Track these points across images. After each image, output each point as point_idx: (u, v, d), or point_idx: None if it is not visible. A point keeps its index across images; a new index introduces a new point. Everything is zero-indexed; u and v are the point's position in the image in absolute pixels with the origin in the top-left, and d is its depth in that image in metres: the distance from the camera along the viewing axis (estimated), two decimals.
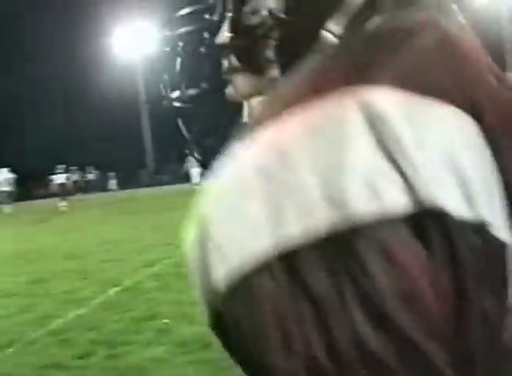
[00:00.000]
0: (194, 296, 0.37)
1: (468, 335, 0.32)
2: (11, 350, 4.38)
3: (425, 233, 0.32)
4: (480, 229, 0.33)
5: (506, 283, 0.34)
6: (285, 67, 0.46)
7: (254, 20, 0.48)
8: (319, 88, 0.35)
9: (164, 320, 4.61)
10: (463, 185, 0.33)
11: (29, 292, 6.40)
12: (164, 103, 0.57)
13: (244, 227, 0.33)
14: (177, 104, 0.57)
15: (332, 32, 0.45)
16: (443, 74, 0.36)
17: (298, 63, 0.41)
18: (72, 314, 5.22)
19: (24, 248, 10.03)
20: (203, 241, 0.34)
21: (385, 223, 0.32)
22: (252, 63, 0.48)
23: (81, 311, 5.31)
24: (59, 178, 22.23)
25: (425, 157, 0.33)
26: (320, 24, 0.45)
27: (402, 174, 0.32)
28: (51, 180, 23.41)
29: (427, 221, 0.32)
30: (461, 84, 0.36)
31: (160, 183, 28.55)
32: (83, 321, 4.97)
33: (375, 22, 0.41)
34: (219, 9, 0.51)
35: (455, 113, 0.35)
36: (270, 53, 0.47)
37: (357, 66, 0.36)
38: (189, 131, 0.56)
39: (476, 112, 0.36)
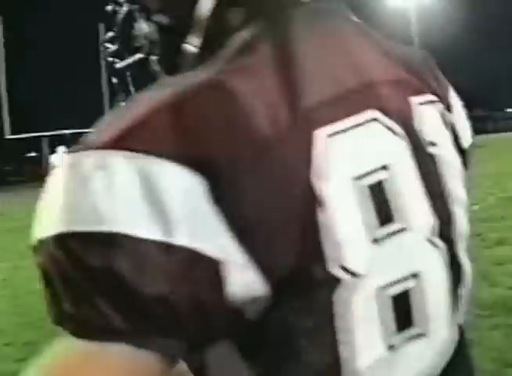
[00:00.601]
0: None
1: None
2: None
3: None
4: (169, 247, 0.43)
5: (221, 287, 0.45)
6: (171, 75, 0.60)
7: (137, 43, 0.64)
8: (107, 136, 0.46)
9: None
10: (161, 219, 0.43)
11: None
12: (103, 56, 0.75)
13: (50, 213, 0.46)
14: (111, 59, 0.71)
15: (191, 45, 0.57)
16: (172, 140, 0.45)
17: (177, 71, 0.58)
18: None
19: None
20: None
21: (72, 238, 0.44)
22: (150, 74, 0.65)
23: None
24: None
25: (117, 198, 0.44)
26: (182, 39, 0.58)
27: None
28: None
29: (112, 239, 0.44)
30: (189, 148, 0.45)
31: None
32: None
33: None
34: (119, 33, 0.69)
35: (173, 168, 0.44)
36: (156, 66, 0.63)
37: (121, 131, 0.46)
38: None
39: (209, 169, 0.45)
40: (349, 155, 0.50)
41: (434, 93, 0.62)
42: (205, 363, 0.53)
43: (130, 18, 0.65)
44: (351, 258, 0.49)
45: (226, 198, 0.45)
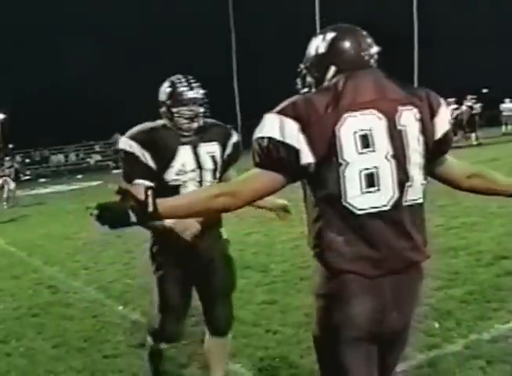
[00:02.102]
0: None
1: None
2: None
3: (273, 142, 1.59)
4: (282, 142, 1.57)
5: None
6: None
7: (308, 83, 1.78)
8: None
9: None
10: (284, 134, 1.56)
11: None
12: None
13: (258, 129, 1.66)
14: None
15: (323, 85, 1.71)
16: (291, 108, 1.58)
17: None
18: None
19: None
20: None
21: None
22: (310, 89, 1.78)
23: None
24: None
25: (267, 127, 1.59)
26: (320, 84, 1.72)
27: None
28: None
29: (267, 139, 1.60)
30: (294, 111, 1.56)
31: None
32: None
33: None
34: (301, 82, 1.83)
35: (289, 120, 1.56)
36: (312, 89, 1.76)
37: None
38: None
39: (300, 121, 1.55)
40: (354, 123, 1.56)
41: (414, 106, 1.62)
42: (305, 188, 1.68)
43: (304, 75, 1.77)
44: (347, 156, 1.55)
45: (305, 130, 1.55)
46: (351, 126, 1.54)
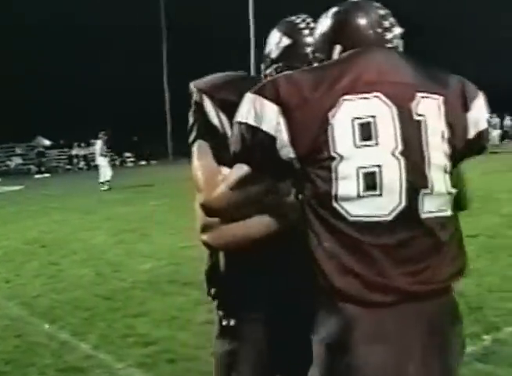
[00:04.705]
0: None
1: None
2: None
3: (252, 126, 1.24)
4: (257, 128, 1.22)
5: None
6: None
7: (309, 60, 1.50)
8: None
9: None
10: (261, 119, 1.22)
11: None
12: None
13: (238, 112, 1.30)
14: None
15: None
16: (270, 88, 1.22)
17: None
18: None
19: None
20: None
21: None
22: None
23: None
24: None
25: (244, 109, 1.25)
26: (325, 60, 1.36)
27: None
28: None
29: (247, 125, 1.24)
30: (275, 93, 1.21)
31: None
32: None
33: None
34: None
35: (267, 102, 1.21)
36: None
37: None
38: None
39: (281, 104, 1.19)
40: (353, 108, 1.19)
41: (439, 95, 1.25)
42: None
43: (310, 63, 1.44)
44: (341, 150, 1.18)
45: (286, 115, 1.19)
46: (348, 111, 1.19)
